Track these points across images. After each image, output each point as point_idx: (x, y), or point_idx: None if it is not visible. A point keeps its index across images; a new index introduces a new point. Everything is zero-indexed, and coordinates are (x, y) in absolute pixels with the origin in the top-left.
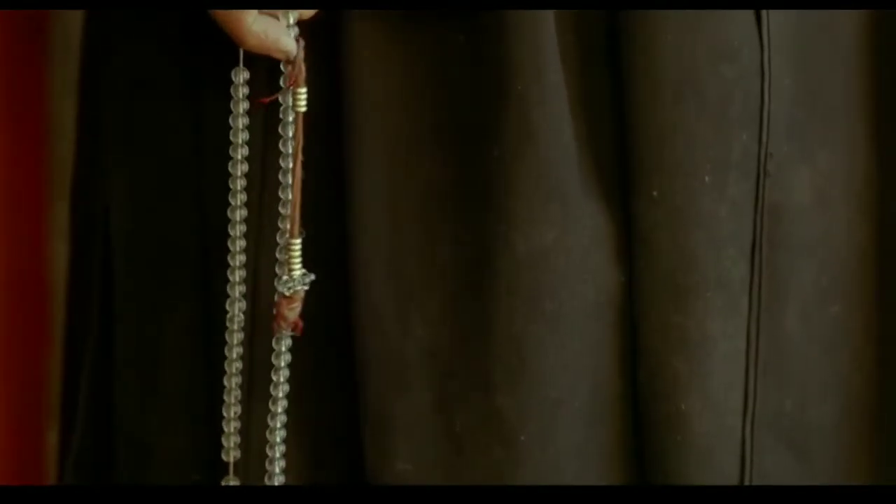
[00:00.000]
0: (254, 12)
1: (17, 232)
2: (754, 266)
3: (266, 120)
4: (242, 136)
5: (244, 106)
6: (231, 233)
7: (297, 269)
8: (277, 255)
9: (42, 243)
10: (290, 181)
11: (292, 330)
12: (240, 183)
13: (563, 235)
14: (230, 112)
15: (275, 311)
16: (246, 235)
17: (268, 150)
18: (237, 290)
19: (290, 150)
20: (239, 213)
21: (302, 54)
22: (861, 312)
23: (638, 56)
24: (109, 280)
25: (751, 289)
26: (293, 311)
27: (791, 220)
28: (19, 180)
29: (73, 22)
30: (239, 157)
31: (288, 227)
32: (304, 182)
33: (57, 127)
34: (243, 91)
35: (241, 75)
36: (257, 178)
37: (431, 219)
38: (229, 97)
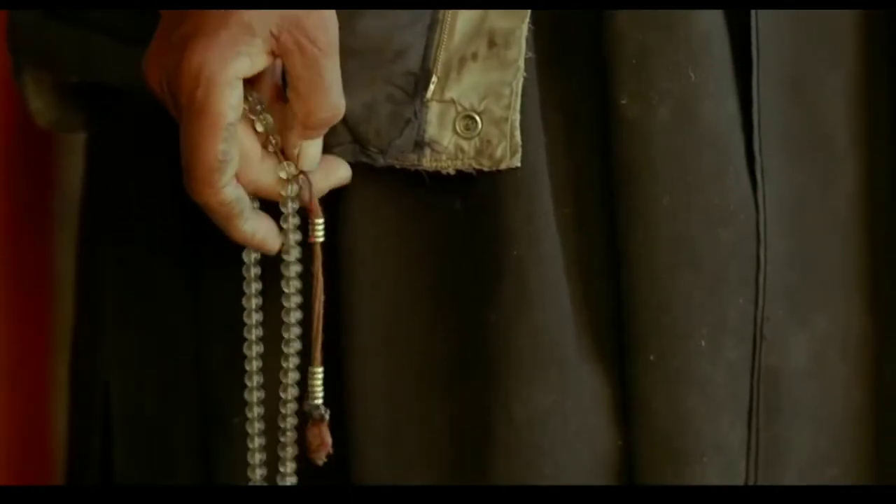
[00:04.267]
0: (247, 211)
1: (19, 393)
2: (751, 430)
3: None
4: (256, 317)
5: (257, 287)
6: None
7: (321, 397)
8: (283, 380)
9: (44, 407)
10: (292, 319)
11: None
12: (255, 364)
13: (561, 399)
14: (230, 277)
15: (314, 441)
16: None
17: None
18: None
19: (292, 289)
20: (255, 395)
21: (312, 186)
22: (858, 475)
23: (634, 219)
24: (109, 449)
25: (748, 452)
26: (328, 435)
27: (788, 383)
28: (23, 342)
29: (76, 187)
30: (253, 337)
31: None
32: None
33: (62, 290)
34: (255, 271)
35: (252, 255)
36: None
37: (429, 385)
38: (227, 261)
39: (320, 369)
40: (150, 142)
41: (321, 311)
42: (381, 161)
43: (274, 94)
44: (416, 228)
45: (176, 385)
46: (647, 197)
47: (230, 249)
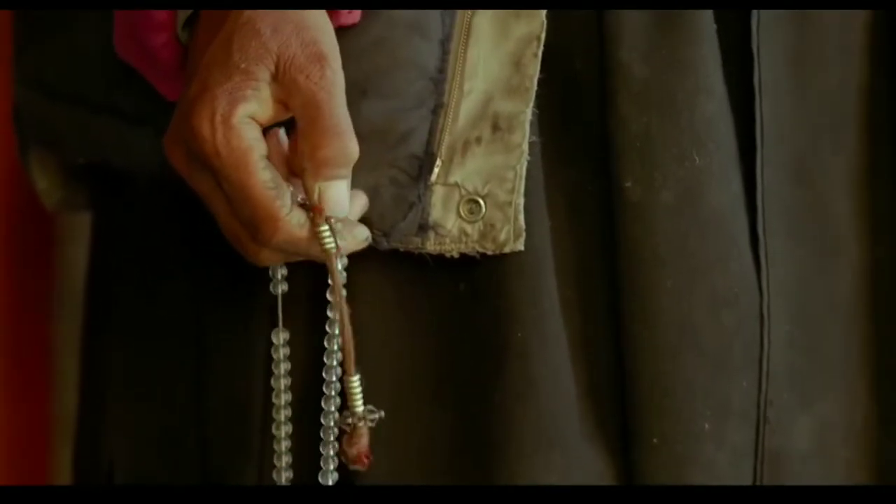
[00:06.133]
0: (290, 207)
1: (20, 477)
2: None
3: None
4: (286, 398)
5: (286, 367)
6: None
7: (360, 404)
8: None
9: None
10: (334, 356)
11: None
12: (285, 459)
13: (564, 481)
14: (233, 353)
15: (354, 450)
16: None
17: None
18: None
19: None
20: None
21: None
22: None
23: (637, 302)
24: None
25: None
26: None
27: (791, 466)
28: (23, 426)
29: (76, 274)
30: (282, 418)
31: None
32: (302, 436)
33: (61, 378)
34: (284, 352)
35: (281, 335)
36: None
37: (433, 465)
38: (231, 339)
39: (357, 378)
40: (155, 221)
41: (347, 322)
42: (384, 244)
43: (284, 168)
44: (420, 310)
45: (179, 463)
46: (650, 280)
47: (234, 330)
